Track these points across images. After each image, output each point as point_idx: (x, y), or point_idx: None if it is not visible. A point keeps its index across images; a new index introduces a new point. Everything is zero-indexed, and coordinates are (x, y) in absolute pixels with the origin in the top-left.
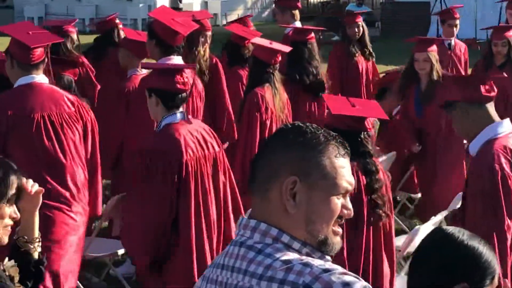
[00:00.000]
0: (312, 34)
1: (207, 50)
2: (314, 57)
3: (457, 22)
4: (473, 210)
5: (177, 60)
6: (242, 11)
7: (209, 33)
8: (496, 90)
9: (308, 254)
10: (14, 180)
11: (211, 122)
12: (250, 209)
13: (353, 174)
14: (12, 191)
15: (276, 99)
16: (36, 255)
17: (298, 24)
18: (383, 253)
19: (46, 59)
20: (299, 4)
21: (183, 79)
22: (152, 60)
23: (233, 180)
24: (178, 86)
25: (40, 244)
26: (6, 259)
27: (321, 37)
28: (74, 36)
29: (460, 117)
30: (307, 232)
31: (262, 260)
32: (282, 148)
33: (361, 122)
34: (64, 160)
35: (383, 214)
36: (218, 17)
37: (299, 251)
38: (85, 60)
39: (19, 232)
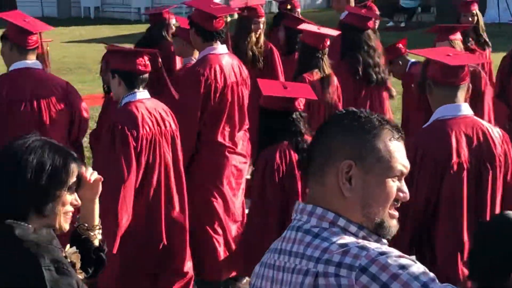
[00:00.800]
0: (370, 20)
1: (262, 36)
2: (369, 45)
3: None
4: None
5: (220, 48)
6: None
7: (262, 20)
8: (464, 78)
9: (364, 238)
10: (74, 168)
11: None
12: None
13: (285, 151)
14: (73, 179)
15: (324, 85)
16: (96, 242)
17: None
18: None
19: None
20: None
21: (144, 61)
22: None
23: (180, 160)
24: (139, 67)
25: (100, 231)
26: (68, 246)
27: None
28: (173, 21)
29: (427, 94)
30: (363, 216)
31: (319, 243)
32: (337, 133)
33: (291, 103)
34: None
35: None
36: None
37: (355, 235)
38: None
39: (79, 220)
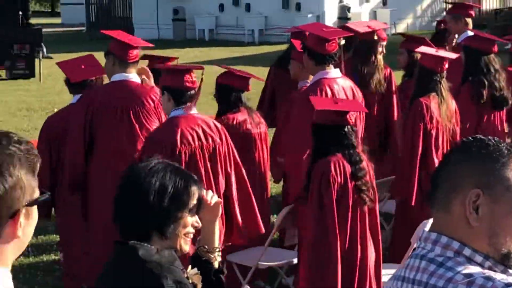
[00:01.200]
0: (495, 44)
1: (382, 60)
2: (495, 68)
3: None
4: None
5: (333, 72)
6: (411, 20)
7: (384, 43)
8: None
9: (490, 268)
10: (195, 190)
11: (377, 132)
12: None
13: (339, 163)
14: (194, 201)
15: (442, 108)
16: (216, 264)
17: (470, 33)
18: (367, 239)
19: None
20: (473, 12)
21: (191, 78)
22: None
23: (242, 172)
24: (187, 84)
25: (220, 253)
26: (189, 267)
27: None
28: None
29: None
30: (489, 245)
31: (444, 273)
32: (464, 161)
33: (343, 116)
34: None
35: (367, 199)
36: (392, 28)
37: (481, 265)
38: None
39: (200, 242)
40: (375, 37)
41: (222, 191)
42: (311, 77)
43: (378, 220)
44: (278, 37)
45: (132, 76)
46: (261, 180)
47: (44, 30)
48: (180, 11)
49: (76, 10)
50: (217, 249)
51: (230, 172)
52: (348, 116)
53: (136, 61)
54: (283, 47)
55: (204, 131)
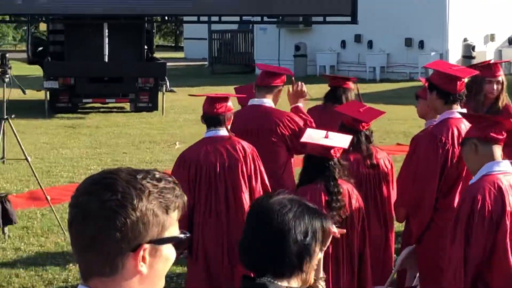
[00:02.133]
0: None
1: (505, 97)
2: None
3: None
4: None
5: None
6: None
7: (498, 79)
8: (505, 133)
9: None
10: (329, 226)
11: None
12: None
13: (316, 192)
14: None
15: None
16: None
17: None
18: (342, 265)
19: None
20: None
21: (219, 105)
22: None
23: (266, 184)
24: (214, 110)
25: (324, 284)
26: None
27: None
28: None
29: (469, 153)
30: None
31: None
32: None
33: (328, 151)
34: None
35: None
36: None
37: None
38: None
39: None
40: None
41: (245, 204)
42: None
43: (356, 248)
44: (399, 75)
45: (267, 101)
46: (385, 219)
47: (167, 64)
48: (302, 47)
49: (199, 45)
50: (323, 278)
51: (255, 187)
52: (332, 151)
53: (272, 86)
54: (404, 84)
55: (227, 150)
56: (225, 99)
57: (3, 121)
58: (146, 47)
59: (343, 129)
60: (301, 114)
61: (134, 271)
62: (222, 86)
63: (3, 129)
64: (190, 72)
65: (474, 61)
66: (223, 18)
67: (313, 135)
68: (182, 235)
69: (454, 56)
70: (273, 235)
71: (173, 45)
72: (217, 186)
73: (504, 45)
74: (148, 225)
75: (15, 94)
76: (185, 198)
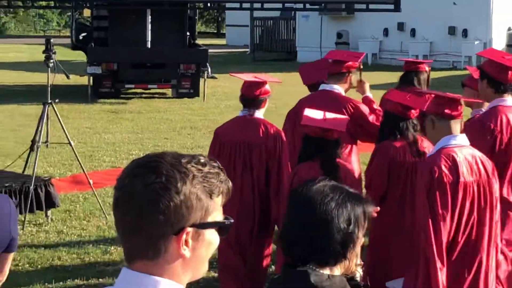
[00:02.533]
0: None
1: None
2: None
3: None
4: (417, 202)
5: (510, 100)
6: None
7: None
8: (461, 111)
9: None
10: (370, 211)
11: None
12: None
13: (311, 168)
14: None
15: None
16: (358, 278)
17: None
18: None
19: None
20: None
21: (256, 89)
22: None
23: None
24: (249, 93)
25: (361, 270)
26: None
27: None
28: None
29: (427, 128)
30: None
31: None
32: None
33: (327, 132)
34: None
35: None
36: None
37: None
38: None
39: None
40: None
41: (260, 181)
42: (486, 104)
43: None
44: (442, 63)
45: (337, 87)
46: None
47: (209, 50)
48: (344, 34)
49: (241, 31)
50: (360, 266)
51: (272, 165)
52: (330, 133)
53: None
54: (447, 73)
55: (250, 130)
56: (262, 83)
57: (47, 106)
58: (188, 33)
59: (387, 118)
60: (372, 106)
61: (177, 255)
62: (264, 73)
63: (47, 114)
64: (232, 59)
65: None
66: (265, 5)
67: (313, 117)
68: (225, 221)
69: (498, 45)
70: (316, 226)
71: (215, 31)
72: (235, 163)
73: None
74: (192, 209)
75: (59, 79)
76: (230, 183)
